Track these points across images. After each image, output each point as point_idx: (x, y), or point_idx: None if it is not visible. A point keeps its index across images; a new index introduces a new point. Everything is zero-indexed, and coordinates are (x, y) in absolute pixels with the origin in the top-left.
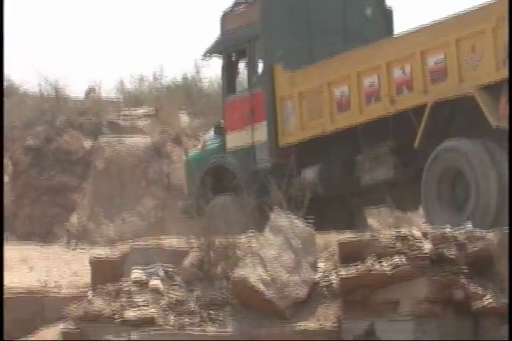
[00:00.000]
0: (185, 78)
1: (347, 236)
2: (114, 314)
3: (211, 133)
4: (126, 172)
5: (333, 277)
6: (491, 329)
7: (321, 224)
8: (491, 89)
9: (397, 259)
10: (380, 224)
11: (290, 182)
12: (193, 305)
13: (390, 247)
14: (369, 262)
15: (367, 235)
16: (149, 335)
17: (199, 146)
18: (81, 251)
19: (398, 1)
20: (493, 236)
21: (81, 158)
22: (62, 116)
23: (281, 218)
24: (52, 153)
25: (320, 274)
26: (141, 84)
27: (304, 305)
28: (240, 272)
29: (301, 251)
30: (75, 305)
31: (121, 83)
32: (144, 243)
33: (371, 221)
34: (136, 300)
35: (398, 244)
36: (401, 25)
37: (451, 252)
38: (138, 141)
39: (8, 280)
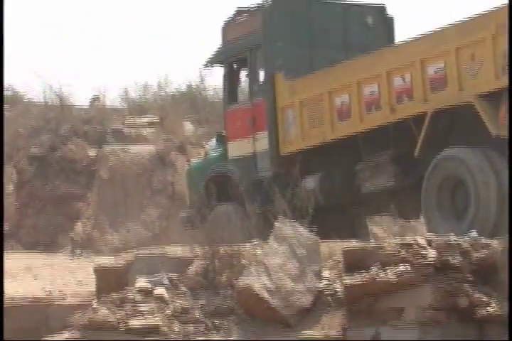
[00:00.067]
0: (189, 86)
1: (351, 244)
2: (119, 322)
3: (213, 142)
4: (130, 181)
5: (338, 285)
6: (496, 338)
7: (323, 232)
8: (490, 97)
9: (401, 267)
10: (385, 232)
11: (292, 190)
12: (197, 314)
13: (395, 255)
14: (373, 270)
15: (371, 243)
16: None
17: (201, 155)
18: (85, 260)
19: (399, 10)
20: (497, 244)
21: (85, 166)
22: (67, 124)
23: (285, 226)
24: (56, 161)
25: (324, 282)
26: (146, 92)
27: (309, 314)
28: (244, 280)
29: (305, 260)
30: (80, 314)
31: (126, 91)
32: (149, 251)
33: (375, 229)
34: (140, 308)
35: (403, 252)
36: (402, 33)
37: (455, 260)
38: (142, 150)
39: (12, 289)
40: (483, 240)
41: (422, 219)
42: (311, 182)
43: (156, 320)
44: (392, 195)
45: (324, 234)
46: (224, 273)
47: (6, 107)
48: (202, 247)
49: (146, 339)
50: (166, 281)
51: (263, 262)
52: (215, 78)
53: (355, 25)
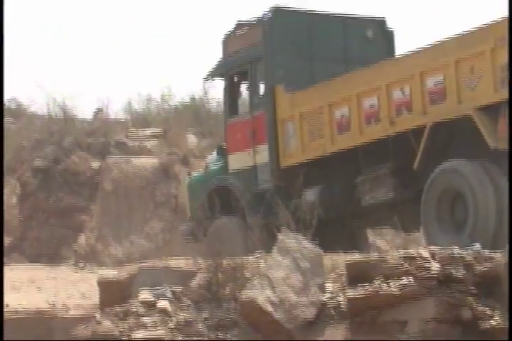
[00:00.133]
0: (193, 99)
1: (355, 257)
2: (122, 335)
3: (213, 154)
4: (133, 194)
5: (341, 298)
6: None
7: (323, 245)
8: (489, 110)
9: (404, 280)
10: (387, 244)
11: (293, 203)
12: (200, 327)
13: (398, 268)
14: (377, 283)
15: (374, 256)
16: None
17: (202, 168)
18: (89, 272)
19: (399, 23)
20: (501, 257)
21: (89, 178)
22: (70, 137)
23: (288, 239)
24: (60, 174)
25: (328, 295)
26: (149, 104)
27: (312, 327)
28: (248, 293)
29: (309, 272)
30: (83, 326)
31: (129, 104)
32: (152, 264)
33: (378, 242)
34: (144, 321)
35: (406, 265)
36: (402, 46)
37: (459, 273)
38: (146, 162)
39: (16, 301)
40: (487, 253)
41: (420, 232)
42: (311, 195)
43: (159, 332)
44: (392, 207)
45: (325, 247)
46: (227, 286)
47: (9, 120)
48: (205, 260)
49: None
50: (169, 294)
51: (266, 275)
52: (219, 90)
53: (355, 38)
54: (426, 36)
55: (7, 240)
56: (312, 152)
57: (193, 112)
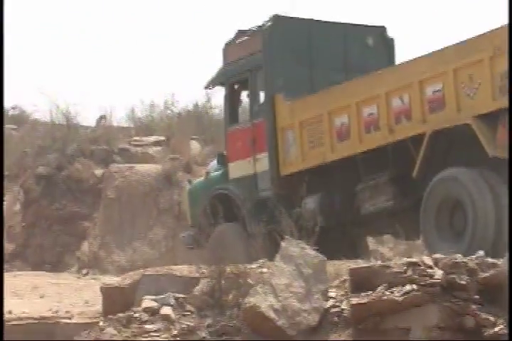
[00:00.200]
0: (196, 106)
1: (358, 264)
2: None
3: (214, 162)
4: (137, 201)
5: (344, 305)
6: None
7: (323, 253)
8: (488, 118)
9: (408, 287)
10: (391, 251)
11: (294, 211)
12: (204, 334)
13: (401, 275)
14: (380, 290)
15: (378, 263)
16: None
17: (203, 175)
18: (92, 279)
19: (400, 31)
20: (504, 264)
21: (92, 186)
22: (74, 144)
23: (291, 246)
24: (63, 181)
25: (331, 302)
26: (152, 111)
27: (315, 333)
28: (251, 300)
29: (312, 279)
30: (86, 333)
31: (132, 111)
32: (155, 271)
33: (381, 249)
34: (147, 328)
35: (409, 272)
36: (403, 54)
37: (462, 280)
38: (149, 169)
39: (19, 308)
40: (490, 260)
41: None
42: (311, 203)
43: (162, 339)
44: (391, 215)
45: (325, 255)
46: (230, 293)
47: (12, 127)
48: (208, 267)
49: None
50: (172, 301)
51: (269, 282)
52: (221, 97)
53: (355, 46)
54: (426, 44)
55: (10, 247)
56: (312, 160)
57: (196, 119)
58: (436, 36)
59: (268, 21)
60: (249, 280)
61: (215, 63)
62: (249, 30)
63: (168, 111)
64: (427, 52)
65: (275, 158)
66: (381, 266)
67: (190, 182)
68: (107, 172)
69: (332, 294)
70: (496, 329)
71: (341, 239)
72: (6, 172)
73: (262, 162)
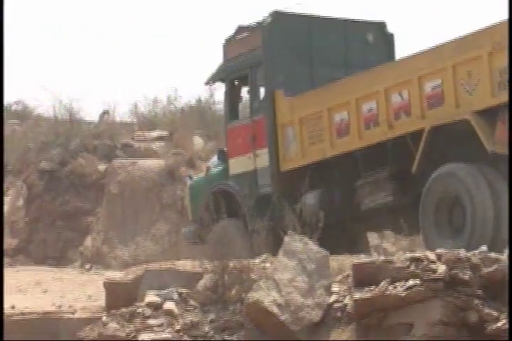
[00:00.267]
0: (199, 101)
1: (361, 259)
2: (128, 337)
3: (214, 158)
4: (139, 196)
5: (348, 300)
6: None
7: (324, 248)
8: (487, 114)
9: (411, 282)
10: (394, 246)
11: (294, 206)
12: (207, 329)
13: (404, 270)
14: (383, 285)
15: (381, 258)
16: None
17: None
18: (95, 274)
19: (400, 26)
20: (507, 259)
21: (95, 181)
22: (77, 139)
23: (295, 241)
24: (66, 176)
25: (334, 297)
26: (155, 107)
27: (319, 329)
28: (254, 295)
29: (315, 275)
30: (90, 328)
31: (135, 106)
32: (158, 266)
33: (384, 244)
34: (150, 323)
35: (412, 267)
36: (403, 50)
37: (465, 275)
38: (152, 164)
39: (22, 304)
40: (493, 255)
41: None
42: (311, 199)
43: (165, 334)
44: (391, 211)
45: (325, 250)
46: (233, 288)
47: (16, 122)
48: (211, 262)
49: None
50: (175, 296)
51: (273, 277)
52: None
53: (355, 42)
54: (426, 39)
55: (13, 242)
56: (312, 156)
57: (199, 114)
58: (436, 31)
59: (268, 17)
60: (253, 276)
61: (218, 59)
62: (250, 26)
63: (172, 107)
64: (426, 48)
65: (275, 154)
66: (384, 261)
67: (190, 177)
68: (110, 168)
69: (335, 289)
70: (499, 324)
71: (341, 234)
72: (9, 168)
73: (262, 158)
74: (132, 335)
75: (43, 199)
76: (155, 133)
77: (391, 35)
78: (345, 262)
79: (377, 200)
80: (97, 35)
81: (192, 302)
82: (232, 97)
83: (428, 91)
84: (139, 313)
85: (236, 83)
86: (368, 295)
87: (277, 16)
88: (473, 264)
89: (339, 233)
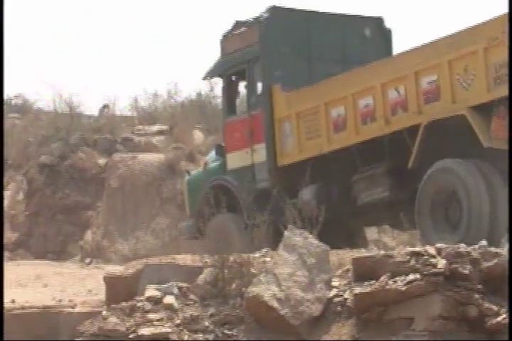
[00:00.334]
0: (199, 95)
1: (361, 253)
2: (129, 331)
3: (212, 153)
4: (140, 190)
5: (348, 294)
6: None
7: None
8: (482, 109)
9: (411, 276)
10: (394, 240)
11: (291, 201)
12: (207, 323)
13: (404, 264)
14: (383, 279)
15: (381, 252)
16: None
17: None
18: (95, 269)
19: (397, 22)
20: (507, 253)
21: (95, 175)
22: (77, 133)
23: (295, 236)
24: (66, 170)
25: (334, 291)
26: (156, 101)
27: (319, 323)
28: (254, 289)
29: (315, 269)
30: (90, 322)
31: (136, 100)
32: (158, 260)
33: (385, 238)
34: (150, 317)
35: (412, 261)
36: (400, 45)
37: (465, 269)
38: (152, 158)
39: (22, 298)
40: (493, 249)
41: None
42: (307, 194)
43: (165, 328)
44: (388, 206)
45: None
46: (233, 282)
47: (16, 116)
48: (211, 256)
49: None
50: (175, 290)
51: (273, 271)
52: None
53: (353, 37)
54: (424, 35)
55: (13, 236)
56: (309, 151)
57: (199, 108)
58: (433, 27)
59: (265, 13)
60: (253, 270)
61: (218, 53)
62: (247, 21)
63: (172, 101)
64: (422, 44)
65: (272, 149)
66: (384, 255)
67: (188, 172)
68: (110, 162)
69: (335, 283)
70: (499, 318)
71: (338, 229)
72: (9, 162)
73: (260, 153)
74: (132, 329)
75: (43, 193)
76: (155, 128)
77: (388, 31)
78: (345, 256)
79: (374, 195)
80: (97, 30)
81: (192, 296)
82: (230, 92)
83: (424, 86)
84: (139, 307)
85: (233, 78)
86: (368, 289)
87: (274, 11)
88: (474, 259)
89: (336, 228)
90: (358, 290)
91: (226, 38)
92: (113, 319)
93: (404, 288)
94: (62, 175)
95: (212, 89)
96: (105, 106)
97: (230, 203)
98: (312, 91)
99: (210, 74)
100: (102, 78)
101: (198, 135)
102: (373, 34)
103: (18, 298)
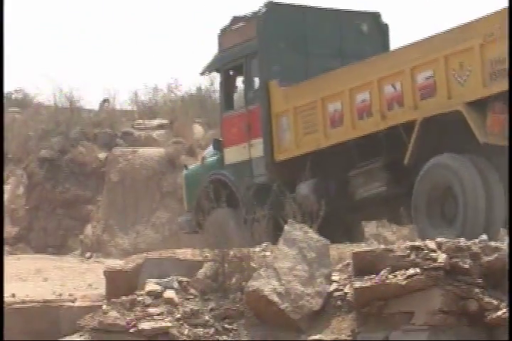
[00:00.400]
0: (199, 89)
1: (361, 247)
2: (129, 325)
3: (210, 147)
4: (140, 184)
5: (348, 289)
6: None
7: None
8: (478, 105)
9: (411, 270)
10: (394, 234)
11: (289, 196)
12: (207, 317)
13: (404, 258)
14: (383, 273)
15: (381, 247)
16: None
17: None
18: (95, 263)
19: (394, 17)
20: (507, 247)
21: (95, 169)
22: (77, 127)
23: (295, 230)
24: (66, 164)
25: (334, 286)
26: (156, 95)
27: (319, 317)
28: (254, 284)
29: (315, 263)
30: (90, 317)
31: (136, 94)
32: (159, 254)
33: (385, 233)
34: (150, 311)
35: (412, 256)
36: (398, 40)
37: (465, 263)
38: (152, 153)
39: (22, 292)
40: (493, 243)
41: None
42: (305, 189)
43: (165, 323)
44: (385, 201)
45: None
46: (234, 277)
47: (16, 110)
48: (212, 250)
49: None
50: (175, 284)
51: (273, 265)
52: None
53: (350, 32)
54: (421, 30)
55: (14, 230)
56: (306, 146)
57: (200, 103)
58: (430, 22)
59: (263, 8)
60: (253, 264)
61: (217, 48)
62: (244, 16)
63: (172, 95)
64: (419, 39)
65: (270, 143)
66: (384, 249)
67: (186, 167)
68: (110, 156)
69: (335, 278)
70: (499, 312)
71: (336, 224)
72: (9, 156)
73: (257, 148)
74: (132, 324)
75: (44, 187)
76: (155, 122)
77: (385, 25)
78: (345, 251)
79: (371, 190)
80: (98, 24)
81: (192, 290)
82: (228, 87)
83: (420, 82)
84: (139, 302)
85: (231, 73)
86: (368, 283)
87: (272, 7)
88: (474, 253)
89: (334, 222)
90: (358, 284)
91: (224, 33)
92: (113, 313)
93: (404, 283)
94: (62, 170)
95: (212, 84)
96: (105, 101)
97: (227, 198)
98: (309, 86)
99: (208, 69)
100: (102, 72)
101: (198, 129)
102: (370, 29)
103: (19, 292)
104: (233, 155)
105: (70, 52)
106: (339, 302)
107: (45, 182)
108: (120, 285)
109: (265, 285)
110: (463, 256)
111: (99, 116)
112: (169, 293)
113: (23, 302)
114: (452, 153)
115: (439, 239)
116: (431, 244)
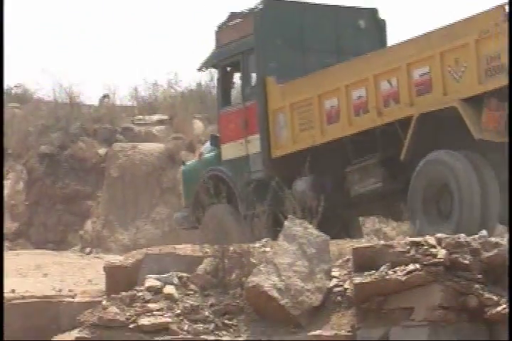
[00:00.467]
0: (199, 85)
1: (361, 243)
2: (129, 321)
3: (207, 144)
4: (140, 180)
5: (348, 284)
6: (505, 336)
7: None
8: (473, 101)
9: (411, 266)
10: (394, 230)
11: (285, 192)
12: (207, 313)
13: (404, 254)
14: (383, 269)
15: (381, 242)
16: None
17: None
18: (95, 258)
19: (391, 13)
20: (507, 243)
21: (95, 165)
22: (77, 123)
23: (295, 226)
24: (66, 160)
25: (334, 281)
26: (156, 90)
27: (319, 313)
28: (254, 279)
29: (315, 259)
30: (90, 312)
31: (136, 90)
32: (158, 250)
33: (385, 228)
34: (150, 307)
35: (412, 251)
36: (395, 36)
37: (465, 259)
38: (152, 148)
39: (22, 287)
40: (493, 239)
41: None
42: (301, 185)
43: (165, 318)
44: (381, 197)
45: None
46: (233, 272)
47: (16, 105)
48: (211, 246)
49: (156, 339)
50: (175, 280)
51: (272, 261)
52: None
53: (347, 28)
54: (418, 26)
55: (13, 226)
56: (303, 142)
57: (199, 98)
58: (428, 18)
59: (260, 4)
60: (253, 260)
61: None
62: (242, 12)
63: (172, 90)
64: (415, 36)
65: (267, 140)
66: (384, 245)
67: (184, 163)
68: (110, 152)
69: (335, 273)
70: (499, 308)
71: (332, 220)
72: (9, 151)
73: (254, 144)
74: (132, 319)
75: (43, 183)
76: (155, 117)
77: (383, 22)
78: (345, 246)
79: (367, 186)
80: (98, 21)
81: (192, 286)
82: (225, 83)
83: (416, 78)
84: (139, 297)
85: (228, 69)
86: (368, 279)
87: (269, 3)
88: (474, 249)
89: (330, 219)
90: (357, 280)
91: (221, 29)
92: (113, 309)
93: (404, 278)
94: (62, 165)
95: (212, 79)
96: (105, 96)
97: (225, 194)
98: (306, 83)
99: (205, 65)
100: (102, 68)
101: (198, 125)
102: (367, 25)
103: (18, 287)
104: (230, 151)
105: (70, 48)
106: (339, 298)
107: (45, 178)
108: (120, 280)
109: (265, 280)
110: (463, 251)
111: (99, 111)
112: (169, 289)
113: (23, 297)
114: (448, 149)
115: (439, 235)
116: (431, 240)
